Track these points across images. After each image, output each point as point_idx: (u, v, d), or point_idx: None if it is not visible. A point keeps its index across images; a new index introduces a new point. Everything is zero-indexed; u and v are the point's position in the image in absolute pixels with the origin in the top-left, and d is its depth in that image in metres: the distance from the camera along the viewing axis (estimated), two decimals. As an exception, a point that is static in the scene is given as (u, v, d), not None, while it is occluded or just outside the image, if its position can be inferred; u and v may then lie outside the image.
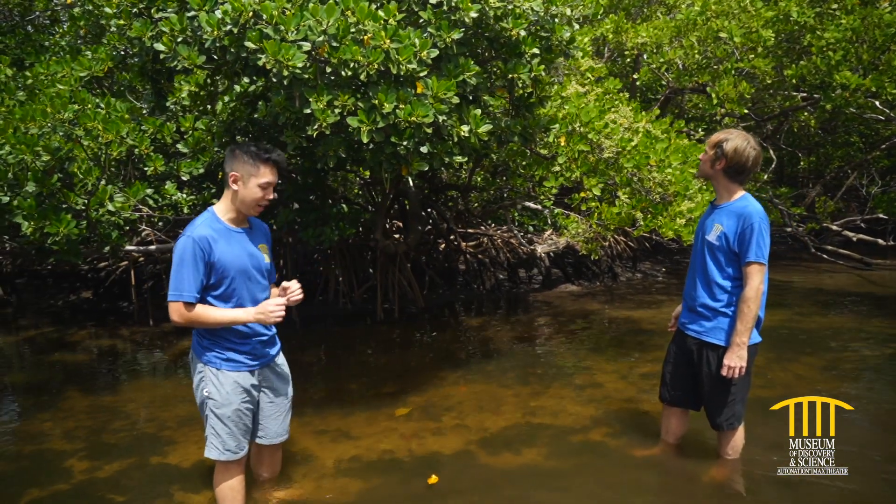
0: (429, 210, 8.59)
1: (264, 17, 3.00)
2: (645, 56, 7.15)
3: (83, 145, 4.06)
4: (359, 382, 5.09)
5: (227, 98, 4.93)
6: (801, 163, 13.39)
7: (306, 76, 3.05)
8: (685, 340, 3.31)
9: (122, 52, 5.06)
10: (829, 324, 6.84)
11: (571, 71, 5.98)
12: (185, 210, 5.80)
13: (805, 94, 7.87)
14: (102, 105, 4.14)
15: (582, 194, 4.93)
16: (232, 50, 3.10)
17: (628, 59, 8.44)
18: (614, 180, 4.97)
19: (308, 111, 3.15)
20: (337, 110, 3.14)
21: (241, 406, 2.73)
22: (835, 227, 9.81)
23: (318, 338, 6.41)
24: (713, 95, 6.25)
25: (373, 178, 6.73)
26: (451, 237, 8.72)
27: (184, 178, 5.62)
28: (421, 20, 3.43)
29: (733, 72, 6.44)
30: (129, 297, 7.60)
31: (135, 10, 3.62)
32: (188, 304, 2.53)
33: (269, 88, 3.51)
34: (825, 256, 9.86)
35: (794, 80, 6.27)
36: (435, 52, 3.23)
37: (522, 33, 3.70)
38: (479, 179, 8.03)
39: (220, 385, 2.68)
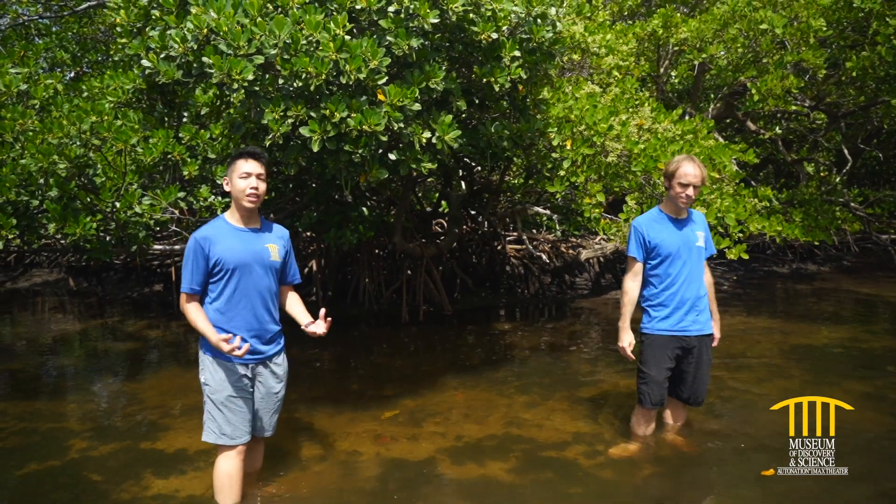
0: (473, 213, 8.58)
1: (220, 33, 3.15)
2: (687, 52, 6.71)
3: (103, 153, 4.46)
4: (361, 383, 5.20)
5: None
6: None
7: (257, 88, 3.17)
8: (681, 342, 3.61)
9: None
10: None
11: (595, 70, 5.73)
12: (219, 212, 6.17)
13: None
14: (120, 116, 4.52)
15: (587, 200, 4.74)
16: (195, 65, 3.28)
17: (685, 60, 7.95)
18: (622, 185, 4.74)
19: (264, 122, 3.27)
20: (290, 120, 3.24)
21: (234, 393, 2.90)
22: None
23: (339, 338, 6.60)
24: (753, 91, 5.75)
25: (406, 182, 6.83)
26: (495, 240, 8.66)
27: (219, 182, 5.99)
28: (385, 30, 3.46)
29: (787, 66, 5.90)
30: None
31: (134, 29, 3.91)
32: (189, 296, 2.84)
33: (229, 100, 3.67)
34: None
35: (854, 73, 5.63)
36: (388, 60, 3.25)
37: (494, 36, 3.63)
38: (519, 181, 7.91)
39: (214, 372, 2.89)
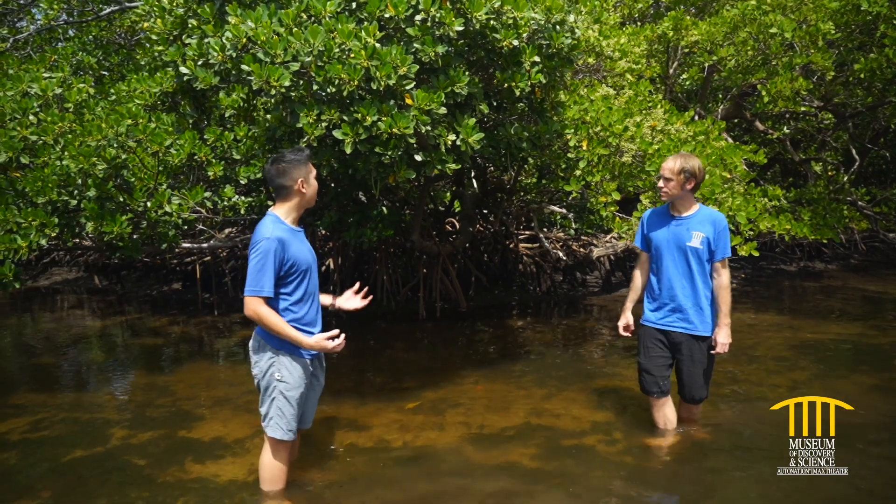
0: (485, 212, 8.75)
1: (258, 42, 3.33)
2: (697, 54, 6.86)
3: (136, 155, 4.65)
4: (382, 376, 5.37)
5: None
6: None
7: (293, 94, 3.35)
8: (668, 336, 3.72)
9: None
10: (905, 340, 6.24)
11: (609, 73, 5.89)
12: (242, 211, 6.36)
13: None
14: (153, 119, 4.71)
15: (601, 199, 4.90)
16: (234, 72, 3.47)
17: (696, 62, 8.09)
18: (636, 185, 4.90)
19: (299, 125, 3.45)
20: (324, 124, 3.42)
21: (305, 389, 3.03)
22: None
23: (359, 334, 6.78)
24: (764, 93, 5.89)
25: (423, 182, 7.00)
26: (507, 239, 8.82)
27: (242, 182, 6.17)
28: (412, 37, 3.63)
29: (796, 68, 6.03)
30: (210, 289, 8.50)
31: (170, 37, 4.09)
32: (266, 300, 2.81)
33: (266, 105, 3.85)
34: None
35: (862, 75, 5.77)
36: (416, 67, 3.42)
37: (515, 43, 3.79)
38: (532, 181, 8.07)
39: (293, 369, 2.95)
